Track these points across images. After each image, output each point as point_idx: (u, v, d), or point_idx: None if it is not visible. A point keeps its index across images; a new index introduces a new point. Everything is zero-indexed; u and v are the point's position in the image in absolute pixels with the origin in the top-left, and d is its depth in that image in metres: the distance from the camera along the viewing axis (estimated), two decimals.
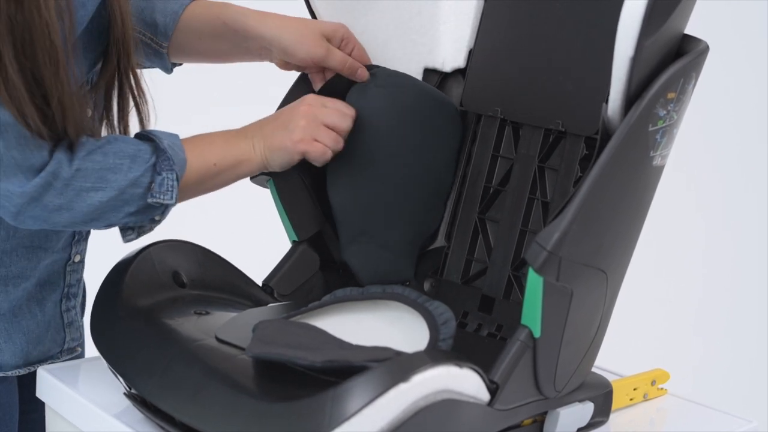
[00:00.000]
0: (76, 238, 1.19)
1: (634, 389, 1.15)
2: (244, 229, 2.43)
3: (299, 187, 1.19)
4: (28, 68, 0.97)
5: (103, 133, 1.13)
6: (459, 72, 1.21)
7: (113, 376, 1.02)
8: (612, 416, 1.08)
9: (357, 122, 1.14)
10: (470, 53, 1.20)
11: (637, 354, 1.80)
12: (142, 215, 1.06)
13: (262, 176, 1.17)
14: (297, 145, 1.10)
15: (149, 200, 1.05)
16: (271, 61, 1.19)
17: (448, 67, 1.21)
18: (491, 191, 1.17)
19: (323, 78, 1.19)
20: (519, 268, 1.13)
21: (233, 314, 1.06)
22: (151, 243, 1.09)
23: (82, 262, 1.21)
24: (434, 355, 0.87)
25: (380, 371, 0.83)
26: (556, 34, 1.12)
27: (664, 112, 0.95)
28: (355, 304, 1.08)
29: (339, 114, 1.12)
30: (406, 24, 1.21)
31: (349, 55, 1.17)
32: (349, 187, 1.17)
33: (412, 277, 1.19)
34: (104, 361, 1.01)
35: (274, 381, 0.90)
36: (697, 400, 1.18)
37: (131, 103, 1.12)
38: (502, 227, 1.15)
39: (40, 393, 1.13)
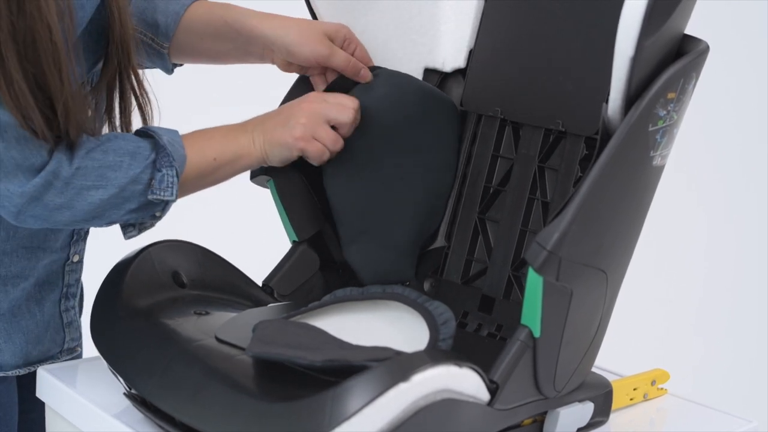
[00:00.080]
0: (75, 238, 1.19)
1: (634, 389, 1.15)
2: (244, 229, 2.43)
3: (299, 187, 1.19)
4: (30, 72, 0.97)
5: (105, 132, 1.13)
6: (459, 72, 1.21)
7: (113, 376, 1.02)
8: (612, 416, 1.08)
9: (359, 123, 1.14)
10: (470, 53, 1.20)
11: (637, 354, 1.80)
12: (143, 212, 1.06)
13: (262, 176, 1.17)
14: (297, 142, 1.10)
15: (150, 197, 1.05)
16: (273, 62, 1.19)
17: (448, 67, 1.21)
18: (491, 191, 1.17)
19: (325, 80, 1.19)
20: (519, 268, 1.13)
21: (233, 314, 1.06)
22: (151, 243, 1.09)
23: (80, 262, 1.21)
24: (434, 354, 0.87)
25: (380, 371, 0.83)
26: (556, 34, 1.12)
27: (665, 112, 0.95)
28: (355, 304, 1.08)
29: (340, 108, 1.12)
30: (406, 24, 1.21)
31: (352, 55, 1.17)
32: (350, 186, 1.17)
33: (412, 277, 1.19)
34: (104, 361, 1.01)
35: (274, 381, 0.90)
36: (697, 400, 1.18)
37: (133, 103, 1.12)
38: (502, 227, 1.15)
39: (40, 393, 1.13)
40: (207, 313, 1.05)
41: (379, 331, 1.05)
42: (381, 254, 1.18)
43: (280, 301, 1.15)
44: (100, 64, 1.10)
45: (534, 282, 0.91)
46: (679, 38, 0.99)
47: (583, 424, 1.04)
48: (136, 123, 1.12)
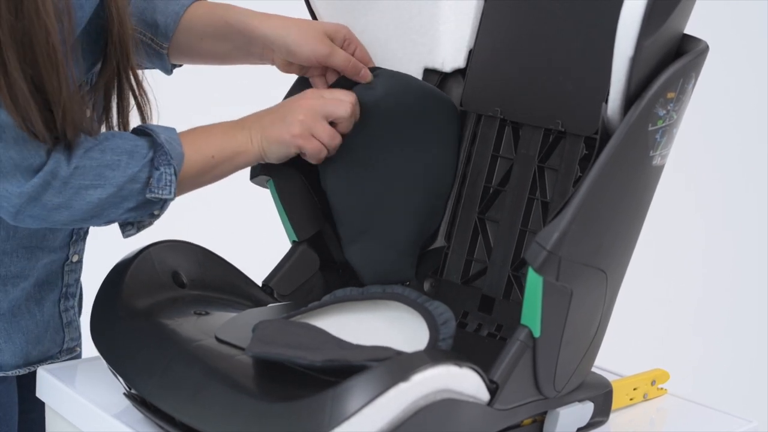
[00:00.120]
0: (74, 238, 1.19)
1: (634, 389, 1.15)
2: (244, 229, 2.43)
3: (299, 187, 1.19)
4: (29, 73, 0.97)
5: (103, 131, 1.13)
6: (459, 72, 1.21)
7: (113, 376, 1.02)
8: (612, 416, 1.08)
9: (358, 121, 1.14)
10: (470, 53, 1.20)
11: (637, 354, 1.80)
12: (141, 210, 1.06)
13: (262, 176, 1.17)
14: (294, 140, 1.10)
15: (148, 195, 1.05)
16: (272, 63, 1.19)
17: (448, 67, 1.21)
18: (491, 191, 1.17)
19: (325, 82, 1.18)
20: (519, 268, 1.13)
21: (233, 314, 1.06)
22: (151, 243, 1.09)
23: (80, 262, 1.21)
24: (434, 354, 0.87)
25: (380, 371, 0.83)
26: (556, 34, 1.13)
27: (664, 111, 0.95)
28: (355, 304, 1.08)
29: (337, 103, 1.12)
30: (406, 24, 1.21)
31: (352, 55, 1.17)
32: (350, 186, 1.17)
33: (412, 277, 1.19)
34: (104, 361, 1.01)
35: (274, 381, 0.90)
36: (697, 400, 1.18)
37: (132, 103, 1.12)
38: (502, 227, 1.15)
39: (40, 393, 1.13)
40: (207, 313, 1.05)
41: (379, 331, 1.05)
42: (381, 254, 1.18)
43: (280, 301, 1.15)
44: (99, 64, 1.10)
45: (534, 282, 0.91)
46: (679, 38, 0.99)
47: (583, 424, 1.04)
48: (135, 123, 1.12)
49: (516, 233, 1.13)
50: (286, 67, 1.19)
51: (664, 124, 0.96)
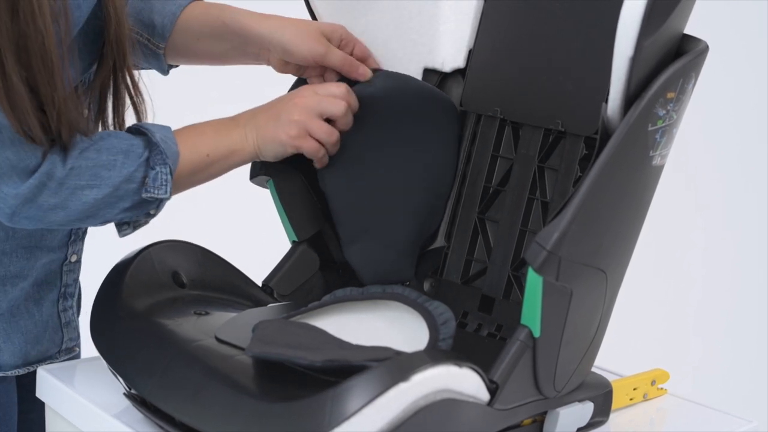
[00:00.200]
0: (72, 238, 1.19)
1: (634, 389, 1.15)
2: (244, 229, 2.43)
3: (299, 187, 1.19)
4: (24, 76, 0.97)
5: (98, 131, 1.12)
6: (459, 72, 1.21)
7: (113, 376, 1.02)
8: (612, 416, 1.08)
9: (357, 121, 1.14)
10: (470, 53, 1.20)
11: (637, 354, 1.80)
12: (137, 210, 1.06)
13: (262, 176, 1.17)
14: (291, 141, 1.10)
15: (144, 195, 1.05)
16: (269, 63, 1.19)
17: (447, 67, 1.21)
18: (491, 191, 1.17)
19: (323, 83, 1.18)
20: (519, 268, 1.13)
21: (233, 314, 1.06)
22: (150, 243, 1.09)
23: (78, 262, 1.21)
24: (434, 354, 0.87)
25: (380, 371, 0.83)
26: (556, 34, 1.13)
27: (664, 111, 0.95)
28: (355, 304, 1.08)
29: (332, 101, 1.11)
30: (406, 24, 1.21)
31: (351, 54, 1.17)
32: (350, 186, 1.17)
33: (412, 277, 1.19)
34: (104, 361, 1.01)
35: (274, 381, 0.90)
36: (697, 400, 1.18)
37: (128, 103, 1.11)
38: (501, 227, 1.15)
39: (40, 393, 1.13)
40: (207, 313, 1.05)
41: (379, 331, 1.05)
42: (381, 254, 1.18)
43: (280, 301, 1.15)
44: (96, 64, 1.10)
45: (534, 282, 0.91)
46: (679, 38, 0.99)
47: (582, 424, 1.04)
48: (130, 122, 1.12)
49: (516, 233, 1.13)
50: (283, 67, 1.18)
51: (664, 124, 0.96)
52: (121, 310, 1.02)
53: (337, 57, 1.15)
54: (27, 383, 1.18)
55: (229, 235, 2.11)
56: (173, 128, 1.09)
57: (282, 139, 1.10)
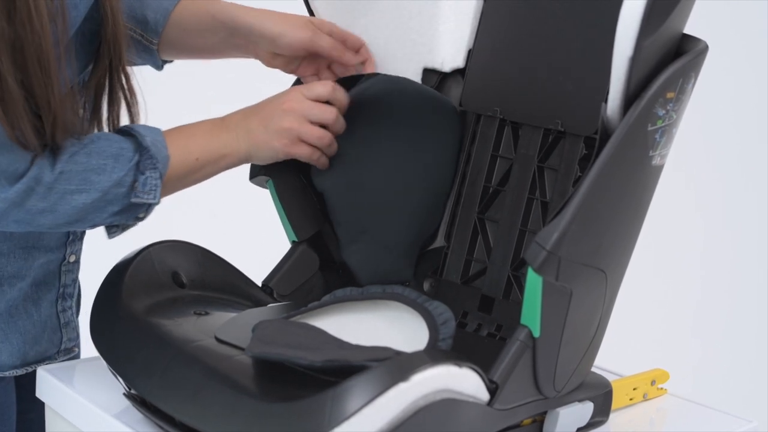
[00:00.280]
0: (71, 238, 1.19)
1: (634, 389, 1.15)
2: (244, 229, 2.43)
3: (299, 187, 1.19)
4: (20, 78, 0.96)
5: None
6: (458, 72, 1.21)
7: (113, 376, 1.02)
8: (612, 416, 1.08)
9: (356, 122, 1.14)
10: (469, 53, 1.20)
11: (637, 354, 1.80)
12: (126, 214, 1.06)
13: (262, 176, 1.17)
14: (284, 148, 1.10)
15: (133, 200, 1.05)
16: (257, 57, 1.19)
17: (447, 67, 1.21)
18: (491, 191, 1.17)
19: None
20: (518, 267, 1.13)
21: (233, 314, 1.06)
22: (150, 243, 1.09)
23: (77, 262, 1.21)
24: (434, 354, 0.87)
25: (380, 371, 0.83)
26: (556, 34, 1.13)
27: (663, 111, 0.95)
28: (355, 304, 1.08)
29: (320, 107, 1.11)
30: (406, 24, 1.21)
31: (342, 45, 1.17)
32: (349, 186, 1.17)
33: (411, 277, 1.19)
34: (104, 362, 1.01)
35: (274, 381, 0.90)
36: (697, 400, 1.18)
37: (122, 102, 1.11)
38: (501, 227, 1.15)
39: (40, 393, 1.13)
40: (207, 314, 1.05)
41: (379, 331, 1.05)
42: (380, 255, 1.18)
43: (280, 301, 1.15)
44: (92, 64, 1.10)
45: (533, 282, 0.91)
46: (678, 38, 0.99)
47: (582, 424, 1.04)
48: (123, 121, 1.12)
49: (516, 233, 1.13)
50: (271, 60, 1.18)
51: (663, 124, 0.96)
52: (121, 310, 1.02)
53: (324, 41, 1.15)
54: (26, 383, 1.18)
55: (229, 235, 2.11)
56: (165, 128, 1.09)
57: (274, 146, 1.10)
